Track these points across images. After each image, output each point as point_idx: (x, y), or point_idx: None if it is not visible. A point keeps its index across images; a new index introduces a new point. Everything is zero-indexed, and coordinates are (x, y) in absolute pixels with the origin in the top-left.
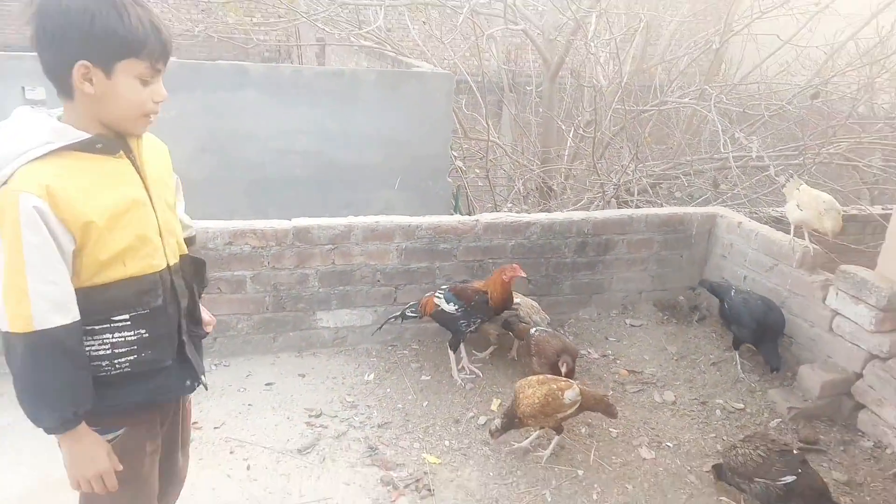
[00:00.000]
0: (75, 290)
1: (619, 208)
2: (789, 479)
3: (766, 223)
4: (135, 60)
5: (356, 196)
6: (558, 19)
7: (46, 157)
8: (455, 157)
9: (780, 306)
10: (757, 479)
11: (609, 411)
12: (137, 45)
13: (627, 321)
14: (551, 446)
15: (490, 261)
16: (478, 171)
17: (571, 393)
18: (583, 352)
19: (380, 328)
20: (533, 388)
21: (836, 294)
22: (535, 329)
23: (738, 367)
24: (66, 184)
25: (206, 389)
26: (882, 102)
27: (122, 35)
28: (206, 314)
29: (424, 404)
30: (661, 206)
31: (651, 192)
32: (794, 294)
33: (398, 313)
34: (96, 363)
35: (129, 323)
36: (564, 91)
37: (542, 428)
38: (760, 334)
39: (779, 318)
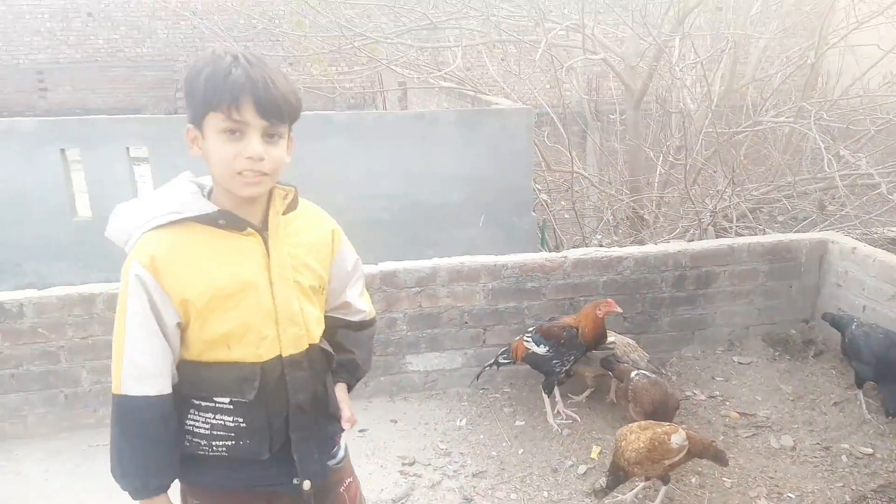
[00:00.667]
0: (186, 362)
1: (717, 235)
2: None
3: (881, 245)
4: (213, 114)
5: (441, 235)
6: (639, 46)
7: (168, 227)
8: (539, 190)
9: None
10: None
11: (719, 458)
12: (209, 97)
13: (735, 358)
14: (659, 498)
15: (581, 298)
16: (564, 203)
17: (678, 437)
18: (688, 393)
19: (476, 378)
20: (636, 434)
21: None
22: (635, 373)
23: (864, 407)
24: (174, 257)
25: (305, 497)
26: None
27: (200, 90)
28: (347, 410)
29: (520, 452)
30: (763, 231)
31: (750, 216)
32: None
33: (492, 361)
34: (196, 440)
35: (231, 408)
36: (650, 117)
37: (647, 479)
38: (884, 372)
39: None
